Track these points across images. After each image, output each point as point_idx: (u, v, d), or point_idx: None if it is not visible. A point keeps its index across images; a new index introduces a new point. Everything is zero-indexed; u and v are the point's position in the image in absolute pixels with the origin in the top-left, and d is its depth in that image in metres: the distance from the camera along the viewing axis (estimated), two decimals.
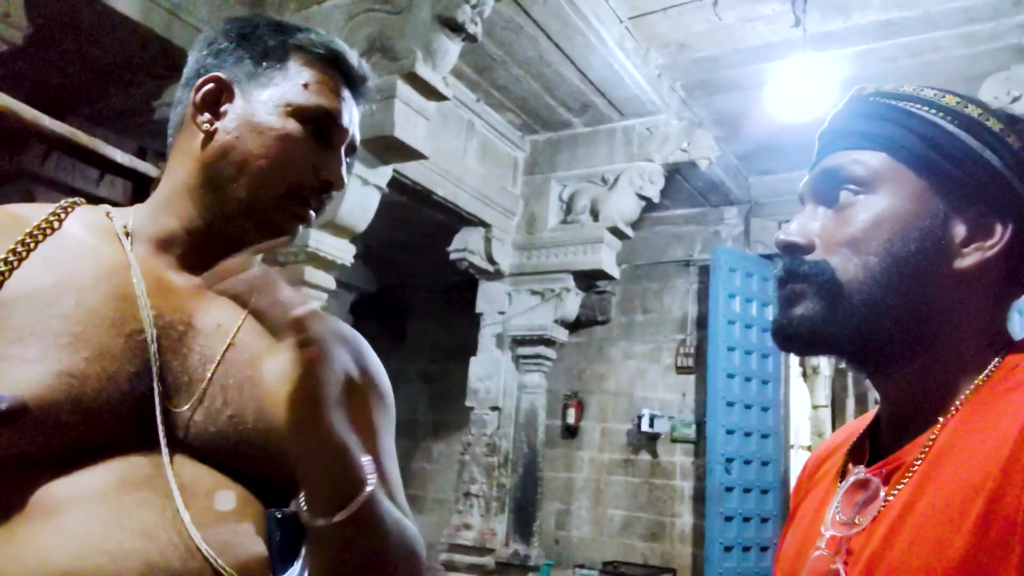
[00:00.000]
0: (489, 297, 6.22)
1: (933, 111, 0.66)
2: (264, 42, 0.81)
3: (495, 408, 6.00)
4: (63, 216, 0.77)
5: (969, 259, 0.63)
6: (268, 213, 0.79)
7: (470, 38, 3.76)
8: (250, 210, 0.78)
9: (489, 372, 6.06)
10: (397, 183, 4.60)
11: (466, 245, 5.95)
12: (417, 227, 6.47)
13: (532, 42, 4.78)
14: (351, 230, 3.96)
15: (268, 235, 0.80)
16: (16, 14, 2.91)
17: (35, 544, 0.61)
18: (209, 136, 0.79)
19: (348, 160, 0.86)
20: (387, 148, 3.82)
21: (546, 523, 6.86)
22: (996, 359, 0.62)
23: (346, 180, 0.84)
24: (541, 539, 6.17)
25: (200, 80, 0.80)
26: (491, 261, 6.01)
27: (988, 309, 0.65)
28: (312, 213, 0.82)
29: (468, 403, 6.11)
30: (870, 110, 0.69)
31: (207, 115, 0.80)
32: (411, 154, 3.91)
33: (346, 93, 0.84)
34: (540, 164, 6.24)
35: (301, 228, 0.82)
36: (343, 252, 4.01)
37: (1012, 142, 0.64)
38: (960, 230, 0.63)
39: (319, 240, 3.86)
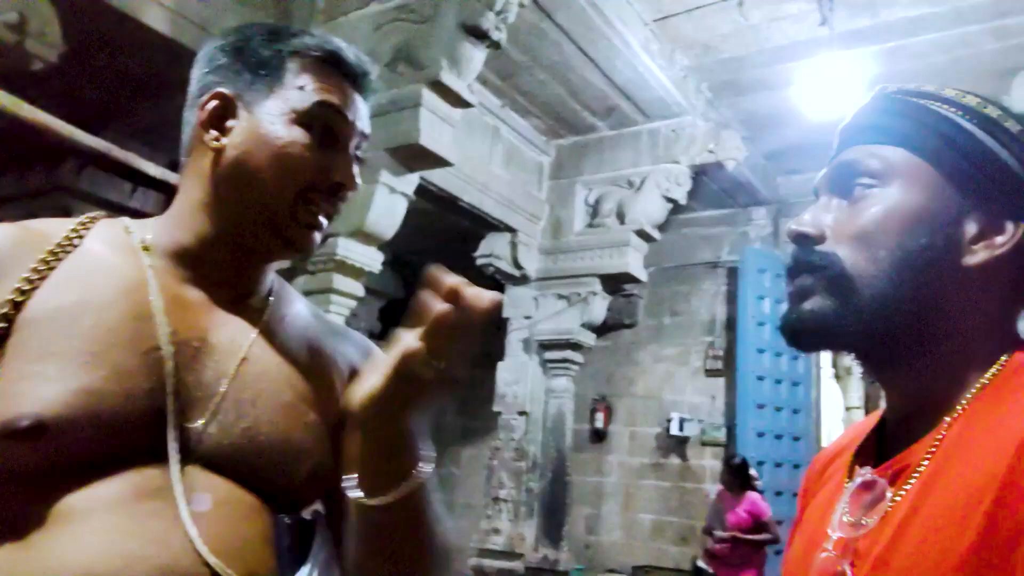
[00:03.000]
0: (516, 302, 6.23)
1: (952, 109, 0.66)
2: (260, 53, 0.82)
3: (523, 413, 6.01)
4: (83, 232, 0.79)
5: (978, 256, 0.63)
6: (281, 221, 0.80)
7: (494, 45, 3.78)
8: (265, 222, 0.80)
9: (516, 377, 6.07)
10: (424, 190, 4.63)
11: (492, 250, 5.97)
12: (444, 233, 6.51)
13: (556, 47, 4.79)
14: (379, 237, 4.00)
15: (283, 244, 0.81)
16: (51, 32, 2.99)
17: (52, 551, 0.64)
18: (218, 153, 0.80)
19: (359, 154, 0.86)
20: (413, 156, 3.85)
21: (576, 528, 6.84)
22: (1002, 358, 0.62)
23: (358, 178, 0.84)
24: (571, 544, 6.16)
25: (204, 98, 0.82)
26: (517, 266, 6.03)
27: (996, 307, 0.65)
28: (324, 220, 0.83)
29: (496, 408, 6.12)
30: (890, 106, 0.69)
31: (214, 132, 0.81)
32: (437, 161, 3.93)
33: (349, 90, 0.84)
34: (566, 168, 6.24)
35: (316, 236, 0.83)
36: (371, 259, 4.05)
37: None
38: (971, 227, 0.63)
39: (347, 248, 3.90)
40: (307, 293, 3.94)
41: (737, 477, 4.83)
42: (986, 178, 0.63)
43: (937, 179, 0.64)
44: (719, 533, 4.75)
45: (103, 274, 0.76)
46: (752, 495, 4.83)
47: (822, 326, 0.65)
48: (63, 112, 2.61)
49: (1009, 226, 0.63)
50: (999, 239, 0.63)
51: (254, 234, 0.80)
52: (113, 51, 3.66)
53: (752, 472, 5.00)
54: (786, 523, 6.02)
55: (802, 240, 0.68)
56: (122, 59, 3.72)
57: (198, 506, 0.69)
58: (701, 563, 4.95)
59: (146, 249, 0.80)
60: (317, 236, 0.83)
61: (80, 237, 0.79)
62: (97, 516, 0.66)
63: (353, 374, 0.90)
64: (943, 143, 0.64)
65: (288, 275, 3.99)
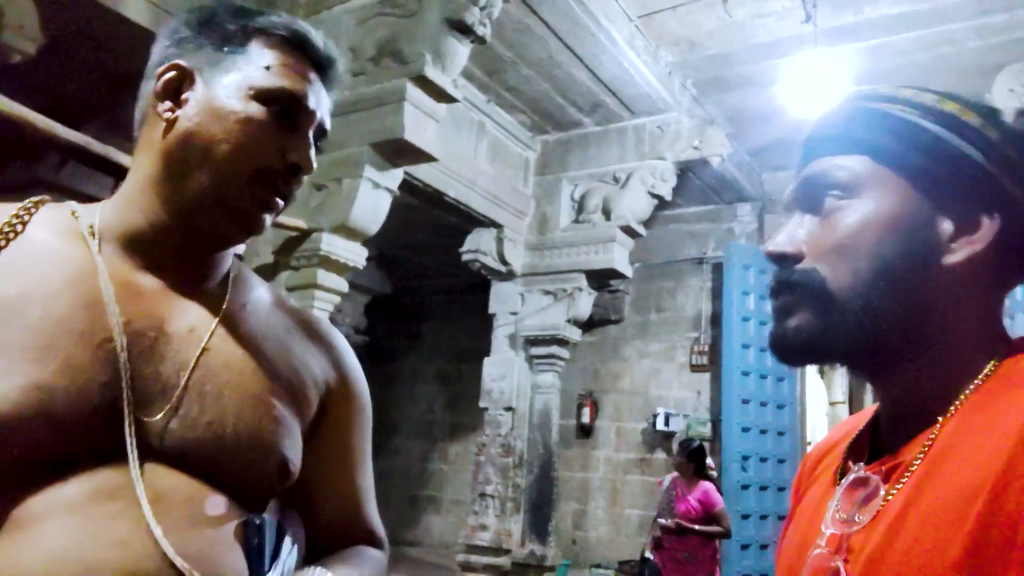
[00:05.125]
0: (502, 298, 6.23)
1: (911, 110, 0.65)
2: (224, 27, 0.79)
3: (509, 408, 6.01)
4: (27, 218, 0.75)
5: (958, 254, 0.63)
6: (234, 200, 0.76)
7: (479, 40, 3.76)
8: (215, 198, 0.75)
9: (502, 373, 6.06)
10: (408, 185, 4.61)
11: (478, 246, 5.96)
12: (429, 229, 6.49)
13: (542, 43, 4.78)
14: (363, 233, 3.98)
15: (234, 224, 0.77)
16: (29, 25, 2.95)
17: (8, 557, 0.61)
18: (170, 125, 0.76)
19: (318, 144, 0.82)
20: (397, 151, 3.84)
21: (563, 523, 6.86)
22: (995, 358, 0.62)
23: (314, 164, 0.80)
24: (558, 539, 6.17)
25: (161, 69, 0.78)
26: (503, 262, 6.02)
27: (983, 305, 0.65)
28: (279, 200, 0.79)
29: (482, 404, 6.12)
30: (850, 114, 0.68)
31: (168, 103, 0.77)
32: (422, 156, 3.92)
33: (313, 76, 0.81)
34: (551, 164, 6.24)
35: (268, 217, 0.79)
36: (355, 255, 4.03)
37: (991, 135, 0.63)
38: (947, 227, 0.63)
39: (331, 243, 3.88)
40: (291, 289, 3.91)
41: (692, 461, 4.54)
42: (954, 176, 0.63)
43: (905, 184, 0.64)
44: (663, 521, 4.48)
45: (49, 262, 0.72)
46: (705, 484, 4.56)
47: (807, 342, 0.65)
48: (42, 106, 2.58)
49: (984, 221, 0.63)
50: (977, 235, 0.63)
51: (204, 211, 0.76)
52: (93, 44, 3.62)
53: (708, 461, 4.77)
54: (771, 517, 6.06)
55: (780, 260, 0.67)
56: (102, 52, 3.68)
57: (165, 504, 0.66)
58: (649, 553, 4.62)
59: (94, 235, 0.76)
60: (268, 218, 0.79)
61: (23, 223, 0.74)
62: (55, 519, 0.62)
63: (328, 392, 0.87)
64: (906, 146, 0.64)
65: (271, 270, 3.95)
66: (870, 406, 0.73)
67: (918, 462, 0.59)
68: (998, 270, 0.64)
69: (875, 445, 0.69)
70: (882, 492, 0.61)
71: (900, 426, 0.64)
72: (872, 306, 0.63)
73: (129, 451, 0.67)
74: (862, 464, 0.65)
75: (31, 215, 0.76)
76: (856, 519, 0.61)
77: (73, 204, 0.80)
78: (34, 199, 0.78)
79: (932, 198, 0.64)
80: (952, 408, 0.61)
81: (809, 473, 0.78)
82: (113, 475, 0.66)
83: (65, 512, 0.63)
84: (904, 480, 0.60)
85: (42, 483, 0.64)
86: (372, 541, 0.90)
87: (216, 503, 0.70)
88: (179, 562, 0.64)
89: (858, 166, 0.66)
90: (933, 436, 0.60)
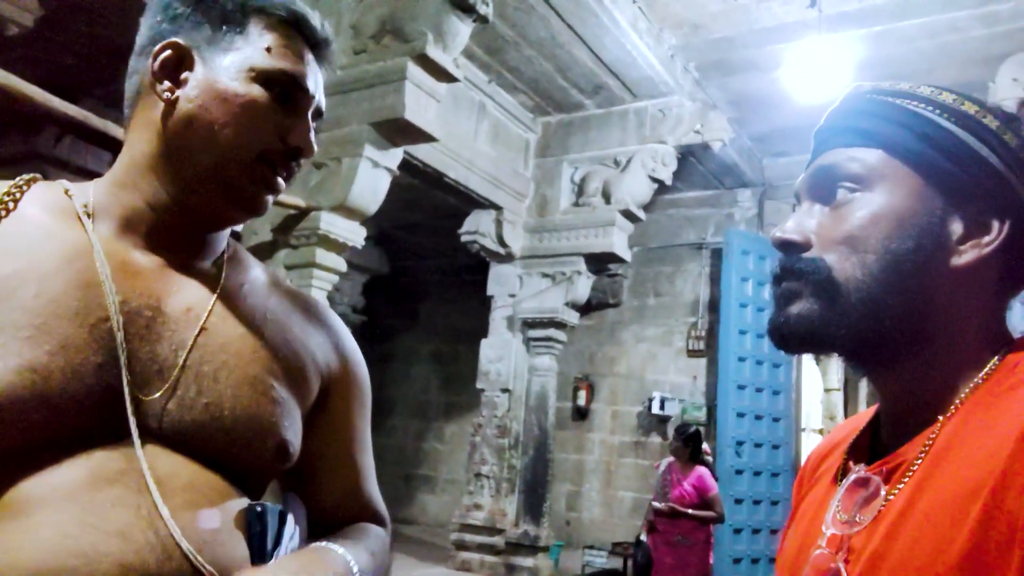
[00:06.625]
0: (500, 280, 6.23)
1: (930, 108, 0.65)
2: (222, 5, 0.78)
3: (506, 390, 6.03)
4: (19, 196, 0.74)
5: (966, 256, 0.62)
6: (236, 181, 0.75)
7: (481, 19, 3.73)
8: (217, 179, 0.75)
9: (500, 354, 6.08)
10: (408, 165, 4.60)
11: (477, 227, 5.95)
12: (429, 209, 6.48)
13: (544, 23, 4.74)
14: (362, 212, 3.97)
15: (237, 205, 0.77)
16: None
17: (5, 545, 0.59)
18: (171, 105, 0.75)
19: (314, 125, 0.82)
20: (398, 130, 3.82)
21: (557, 504, 6.90)
22: (996, 357, 0.62)
23: (315, 147, 0.80)
24: (551, 520, 6.21)
25: (158, 47, 0.76)
26: (502, 244, 6.01)
27: (987, 307, 0.64)
28: (281, 181, 0.79)
29: (479, 385, 6.14)
30: (867, 107, 0.68)
31: (167, 83, 0.76)
32: (422, 136, 3.90)
33: (309, 57, 0.80)
34: (552, 146, 6.21)
35: (270, 198, 0.79)
36: (354, 234, 4.02)
37: (1009, 140, 0.63)
38: (957, 227, 0.62)
39: (330, 222, 3.87)
40: (289, 267, 3.91)
41: (687, 446, 4.58)
42: (968, 177, 0.63)
43: (919, 180, 0.64)
44: (657, 504, 4.53)
45: (44, 241, 0.71)
46: (700, 469, 4.59)
47: (809, 329, 0.64)
48: (40, 79, 2.56)
49: (995, 224, 0.62)
50: (986, 238, 0.62)
51: (205, 192, 0.76)
52: (91, 16, 3.59)
53: (704, 447, 4.80)
54: (764, 502, 6.10)
55: (788, 247, 0.67)
56: (100, 25, 3.65)
57: (165, 489, 0.65)
58: (644, 536, 4.70)
59: (89, 215, 0.75)
60: (271, 198, 0.79)
61: (16, 201, 0.73)
62: (52, 506, 0.61)
63: (329, 375, 0.86)
64: (923, 143, 0.64)
65: (270, 248, 3.95)
66: (871, 407, 0.73)
67: (919, 462, 0.59)
68: (1004, 274, 0.64)
69: (876, 445, 0.69)
70: (883, 492, 0.61)
71: (901, 425, 0.64)
72: (876, 300, 0.62)
73: (133, 431, 0.66)
74: (863, 465, 0.65)
75: (23, 193, 0.74)
76: (857, 520, 0.61)
77: (65, 183, 0.79)
78: (26, 177, 0.77)
79: (944, 197, 0.63)
80: (953, 407, 0.61)
81: (810, 474, 0.78)
82: (111, 458, 0.65)
83: (62, 498, 0.62)
84: (905, 480, 0.59)
85: (38, 466, 0.63)
86: (374, 519, 0.90)
87: (208, 490, 0.69)
88: (185, 545, 0.63)
89: (872, 159, 0.65)
90: (934, 435, 0.60)
